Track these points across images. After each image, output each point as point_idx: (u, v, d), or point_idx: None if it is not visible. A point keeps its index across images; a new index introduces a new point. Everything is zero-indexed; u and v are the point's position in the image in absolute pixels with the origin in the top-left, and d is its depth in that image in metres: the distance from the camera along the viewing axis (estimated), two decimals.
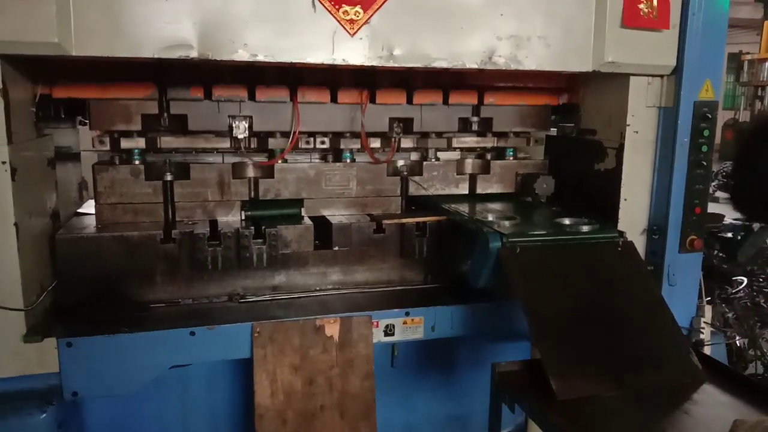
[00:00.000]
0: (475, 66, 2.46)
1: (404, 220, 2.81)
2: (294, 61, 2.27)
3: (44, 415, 2.14)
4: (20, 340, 2.18)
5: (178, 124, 2.67)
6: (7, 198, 2.10)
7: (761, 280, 3.87)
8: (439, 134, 3.05)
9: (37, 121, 2.42)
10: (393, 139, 2.91)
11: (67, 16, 2.00)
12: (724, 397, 2.13)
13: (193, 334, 2.32)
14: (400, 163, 3.00)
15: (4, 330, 2.16)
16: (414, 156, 3.11)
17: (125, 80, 2.53)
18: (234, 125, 2.66)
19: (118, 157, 2.66)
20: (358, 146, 2.90)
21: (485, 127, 3.08)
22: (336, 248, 2.72)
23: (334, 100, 2.77)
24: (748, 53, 17.67)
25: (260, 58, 2.22)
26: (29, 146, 2.30)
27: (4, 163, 2.07)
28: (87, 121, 2.65)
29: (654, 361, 2.23)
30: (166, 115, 2.61)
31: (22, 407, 2.15)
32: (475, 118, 3.04)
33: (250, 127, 2.70)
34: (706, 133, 2.77)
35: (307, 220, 2.76)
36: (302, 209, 2.85)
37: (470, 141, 3.13)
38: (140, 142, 2.65)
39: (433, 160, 3.07)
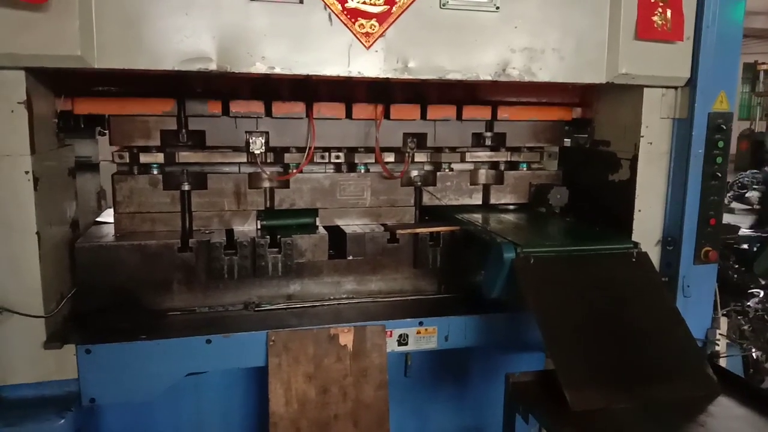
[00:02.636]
0: (489, 78, 2.48)
1: (418, 230, 2.82)
2: (310, 73, 2.30)
3: (62, 421, 2.17)
4: (40, 346, 2.22)
5: (196, 140, 2.71)
6: (30, 207, 2.14)
7: None
8: (453, 149, 3.07)
9: (58, 132, 2.47)
10: (407, 154, 2.93)
11: (89, 30, 2.05)
12: (740, 410, 2.11)
13: (209, 342, 2.35)
14: (414, 173, 3.03)
15: (24, 337, 2.20)
16: (427, 168, 3.13)
17: (145, 95, 2.58)
18: (251, 141, 2.70)
19: (137, 167, 2.70)
20: (372, 161, 2.92)
21: (498, 143, 3.10)
22: (350, 258, 2.74)
23: (348, 115, 2.81)
24: (763, 63, 17.56)
25: (277, 70, 2.26)
26: (51, 156, 2.35)
27: (27, 173, 2.12)
28: (106, 132, 2.70)
29: (669, 374, 2.22)
30: (184, 130, 2.65)
31: (41, 413, 2.18)
32: (488, 134, 3.06)
33: (267, 142, 2.74)
34: (720, 144, 2.76)
35: (321, 230, 2.79)
36: (317, 219, 2.88)
37: (483, 156, 3.14)
38: (159, 157, 2.69)
39: (447, 170, 3.09)
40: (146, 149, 2.68)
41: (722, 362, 2.86)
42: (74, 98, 2.51)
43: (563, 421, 2.01)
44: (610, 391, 2.11)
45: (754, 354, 3.48)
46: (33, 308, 2.19)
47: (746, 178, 12.54)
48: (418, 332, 2.57)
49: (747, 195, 11.91)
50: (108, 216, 2.91)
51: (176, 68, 2.17)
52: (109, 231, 2.70)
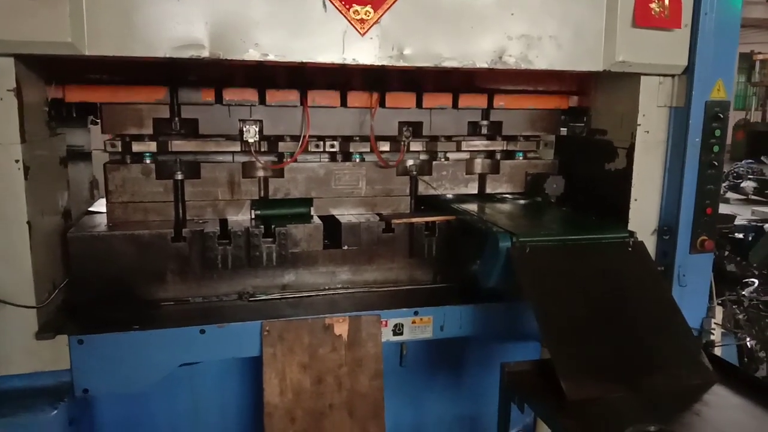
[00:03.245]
0: (485, 65, 2.46)
1: (413, 220, 2.81)
2: (304, 60, 2.28)
3: (55, 411, 2.16)
4: (32, 337, 2.20)
5: (189, 128, 2.68)
6: (21, 196, 2.12)
7: None
8: (449, 138, 3.05)
9: (49, 121, 2.44)
10: (402, 143, 2.91)
11: (80, 16, 2.02)
12: (736, 398, 2.12)
13: (203, 332, 2.34)
14: (410, 162, 3.01)
15: (16, 327, 2.18)
16: (423, 157, 3.11)
17: (137, 83, 2.55)
18: (244, 129, 2.68)
19: (130, 156, 2.68)
20: (368, 149, 2.90)
21: (495, 131, 3.08)
22: (345, 247, 2.73)
23: (343, 103, 2.78)
24: (759, 53, 17.57)
25: (271, 57, 2.23)
26: (42, 145, 2.32)
27: (17, 161, 2.09)
28: (99, 121, 2.67)
29: (664, 363, 2.22)
30: (177, 119, 2.63)
31: (34, 404, 2.16)
32: (484, 122, 3.04)
33: (261, 131, 2.71)
34: (717, 133, 2.75)
35: (316, 220, 2.77)
36: (312, 208, 2.86)
37: (479, 144, 3.12)
38: (151, 146, 2.66)
39: (443, 159, 3.07)
40: (139, 137, 2.65)
41: (717, 351, 2.87)
42: (65, 86, 2.47)
43: (558, 410, 2.00)
44: (605, 381, 2.11)
45: (748, 343, 3.49)
46: (25, 299, 2.17)
47: (742, 168, 12.60)
48: (414, 322, 2.56)
49: (742, 185, 11.95)
50: (100, 206, 2.88)
51: (168, 55, 2.14)
52: (102, 221, 2.67)
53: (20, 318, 2.17)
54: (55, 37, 2.00)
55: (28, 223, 2.14)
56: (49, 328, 2.23)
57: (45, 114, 2.40)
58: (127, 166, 2.65)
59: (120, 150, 2.65)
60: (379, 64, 2.34)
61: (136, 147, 2.65)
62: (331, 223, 2.78)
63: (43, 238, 2.28)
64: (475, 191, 3.14)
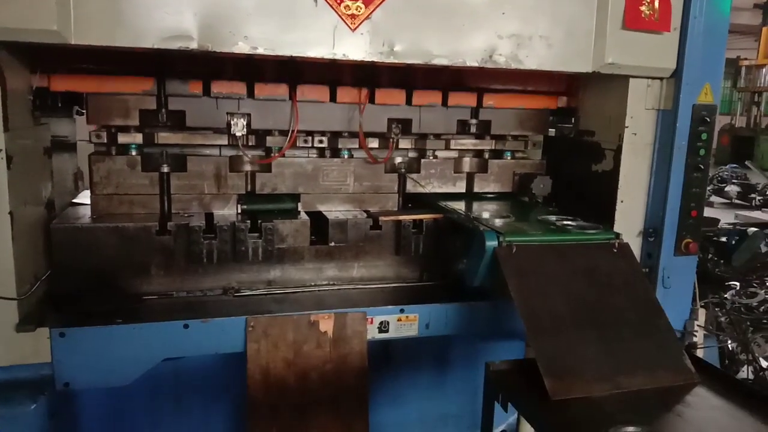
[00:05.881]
0: (475, 64, 2.45)
1: (401, 217, 2.80)
2: (294, 54, 2.26)
3: (35, 405, 2.13)
4: (13, 329, 2.16)
5: (176, 120, 2.65)
6: (3, 186, 2.08)
7: (754, 284, 3.89)
8: (438, 136, 3.04)
9: (34, 110, 2.40)
10: (391, 140, 2.90)
11: (66, 4, 1.99)
12: (717, 400, 2.13)
13: (186, 326, 2.31)
14: (398, 160, 3.00)
15: None
16: (412, 155, 3.10)
17: (124, 73, 2.52)
18: (232, 122, 2.65)
19: (115, 147, 2.65)
20: (356, 146, 2.89)
21: (484, 130, 3.08)
22: (332, 244, 2.72)
23: (333, 98, 2.76)
24: (745, 59, 17.79)
25: (260, 51, 2.21)
26: (26, 135, 2.28)
27: (0, 150, 2.06)
28: (84, 112, 2.64)
29: (647, 363, 2.23)
30: (164, 110, 2.59)
31: (14, 397, 2.13)
32: (473, 121, 3.03)
33: (249, 124, 2.69)
34: (704, 136, 2.77)
35: (303, 215, 2.76)
36: (299, 204, 2.85)
37: (468, 143, 3.12)
38: (137, 138, 2.63)
39: (431, 157, 3.07)
40: (125, 129, 2.62)
41: (699, 353, 2.89)
42: (51, 75, 2.43)
43: (542, 409, 2.01)
44: (589, 380, 2.11)
45: (729, 345, 3.53)
46: (5, 290, 2.13)
47: (726, 173, 12.76)
48: (399, 320, 2.56)
49: (726, 189, 12.07)
50: (85, 197, 2.85)
51: (156, 46, 2.12)
52: (86, 212, 2.64)
53: (1, 310, 2.14)
54: (41, 25, 1.97)
55: (10, 213, 2.10)
56: (30, 320, 2.20)
57: (29, 103, 2.37)
58: (112, 157, 2.61)
59: (105, 141, 2.62)
60: (369, 60, 2.33)
61: (122, 138, 2.62)
62: (318, 219, 2.77)
63: (26, 229, 2.24)
64: (463, 190, 3.14)
